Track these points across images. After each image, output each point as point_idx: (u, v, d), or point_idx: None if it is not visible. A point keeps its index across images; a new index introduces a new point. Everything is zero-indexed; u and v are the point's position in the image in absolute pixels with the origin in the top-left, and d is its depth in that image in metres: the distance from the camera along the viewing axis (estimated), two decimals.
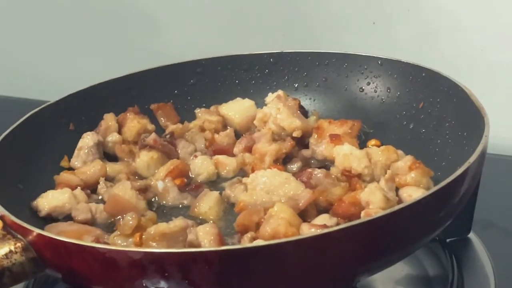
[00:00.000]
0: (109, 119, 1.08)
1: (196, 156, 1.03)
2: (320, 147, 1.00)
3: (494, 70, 1.27)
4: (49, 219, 0.92)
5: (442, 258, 0.93)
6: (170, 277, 0.68)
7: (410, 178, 0.91)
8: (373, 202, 0.84)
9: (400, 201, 0.88)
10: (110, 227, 0.91)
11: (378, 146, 1.01)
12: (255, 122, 1.07)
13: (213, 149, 1.06)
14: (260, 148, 1.01)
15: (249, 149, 1.03)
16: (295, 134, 1.03)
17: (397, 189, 0.92)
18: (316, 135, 1.03)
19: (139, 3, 1.57)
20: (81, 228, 0.88)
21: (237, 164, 1.02)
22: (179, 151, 1.05)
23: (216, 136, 1.07)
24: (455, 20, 1.28)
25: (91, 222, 0.91)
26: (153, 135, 1.04)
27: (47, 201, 0.92)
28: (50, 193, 0.93)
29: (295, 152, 1.02)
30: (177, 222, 0.83)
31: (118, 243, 0.85)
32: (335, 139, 0.99)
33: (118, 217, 0.90)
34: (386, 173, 0.91)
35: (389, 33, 1.34)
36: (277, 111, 1.04)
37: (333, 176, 0.92)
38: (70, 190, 0.94)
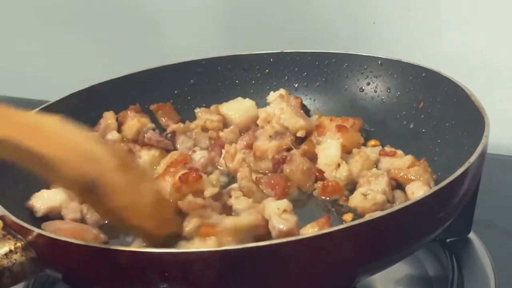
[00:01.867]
0: (108, 117, 1.08)
1: (194, 151, 1.04)
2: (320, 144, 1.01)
3: (494, 70, 1.27)
4: (47, 218, 0.92)
5: (442, 258, 0.93)
6: (170, 277, 0.68)
7: (412, 173, 0.91)
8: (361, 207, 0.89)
9: (406, 198, 0.90)
10: (102, 228, 0.90)
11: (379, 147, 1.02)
12: (258, 122, 1.07)
13: (216, 144, 1.06)
14: (260, 145, 1.01)
15: (250, 146, 1.03)
16: (299, 134, 1.03)
17: (401, 186, 0.92)
18: (316, 133, 1.03)
19: (140, 3, 1.57)
20: (78, 227, 0.88)
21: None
22: (178, 146, 1.06)
23: (220, 133, 1.07)
24: (455, 20, 1.28)
25: (80, 222, 0.91)
26: (149, 134, 1.04)
27: (43, 202, 0.91)
28: (45, 193, 0.93)
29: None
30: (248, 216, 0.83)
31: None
32: (342, 128, 0.99)
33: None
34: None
35: (389, 33, 1.34)
36: (281, 111, 1.04)
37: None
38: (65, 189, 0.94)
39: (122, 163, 0.76)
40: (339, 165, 0.96)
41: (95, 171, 0.73)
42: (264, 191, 0.93)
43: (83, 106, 1.08)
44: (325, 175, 0.96)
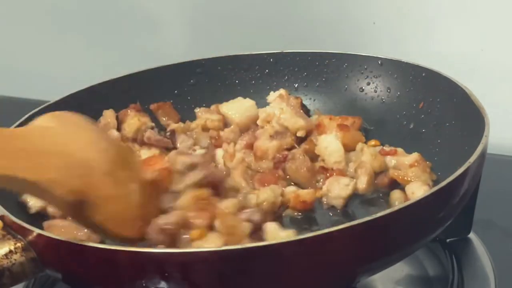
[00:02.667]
0: (108, 116, 1.08)
1: (194, 150, 1.04)
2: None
3: (494, 70, 1.27)
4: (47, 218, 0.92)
5: (442, 258, 0.93)
6: (170, 277, 0.68)
7: (410, 174, 0.91)
8: None
9: (406, 198, 0.90)
10: None
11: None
12: (258, 122, 1.07)
13: (215, 144, 1.06)
14: (261, 145, 1.01)
15: (250, 146, 1.03)
16: (299, 134, 1.03)
17: (401, 186, 0.92)
18: (316, 133, 1.04)
19: (139, 3, 1.57)
20: (74, 226, 0.88)
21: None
22: (178, 145, 1.06)
23: (221, 133, 1.08)
24: (455, 20, 1.28)
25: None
26: (147, 133, 1.04)
27: (36, 199, 0.91)
28: None
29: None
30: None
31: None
32: (343, 127, 0.99)
33: None
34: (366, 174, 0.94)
35: (389, 33, 1.34)
36: (280, 111, 1.04)
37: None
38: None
39: (116, 163, 0.72)
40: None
41: (84, 183, 0.69)
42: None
43: (83, 106, 1.08)
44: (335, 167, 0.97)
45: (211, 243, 0.76)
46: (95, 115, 1.08)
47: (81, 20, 1.64)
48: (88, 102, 1.09)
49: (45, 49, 1.70)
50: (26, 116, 1.00)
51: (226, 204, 0.81)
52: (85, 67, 1.61)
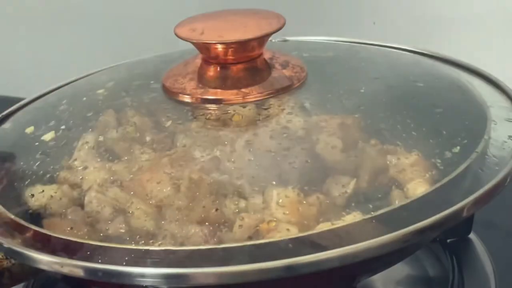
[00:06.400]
0: (108, 116, 1.08)
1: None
2: None
3: (494, 70, 1.27)
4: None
5: (443, 259, 0.93)
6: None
7: (411, 173, 0.91)
8: None
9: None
10: None
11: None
12: None
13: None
14: None
15: None
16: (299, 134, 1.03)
17: (400, 186, 0.92)
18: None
19: (139, 3, 1.57)
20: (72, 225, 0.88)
21: None
22: (178, 145, 1.06)
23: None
24: (455, 20, 1.28)
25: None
26: (147, 135, 1.04)
27: (36, 197, 0.90)
28: (39, 188, 0.92)
29: None
30: None
31: None
32: (343, 127, 1.00)
33: None
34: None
35: (389, 33, 1.34)
36: None
37: None
38: (60, 187, 0.94)
39: None
40: None
41: None
42: None
43: (82, 106, 1.08)
44: None
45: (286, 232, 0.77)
46: (94, 116, 1.08)
47: (81, 20, 1.64)
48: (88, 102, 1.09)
49: (45, 49, 1.70)
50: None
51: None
52: (84, 67, 1.61)
